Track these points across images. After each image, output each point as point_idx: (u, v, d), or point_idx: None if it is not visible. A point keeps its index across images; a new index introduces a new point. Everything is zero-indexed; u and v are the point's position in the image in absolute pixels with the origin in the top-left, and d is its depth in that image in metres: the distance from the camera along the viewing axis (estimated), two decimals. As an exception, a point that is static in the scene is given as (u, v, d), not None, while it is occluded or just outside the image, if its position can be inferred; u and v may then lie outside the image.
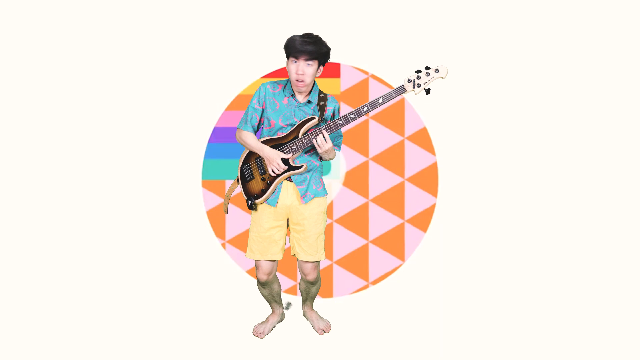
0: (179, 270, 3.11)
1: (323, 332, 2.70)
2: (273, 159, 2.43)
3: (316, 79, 2.45)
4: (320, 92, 2.48)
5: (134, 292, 2.98)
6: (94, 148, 3.15)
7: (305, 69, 2.35)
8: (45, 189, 3.13)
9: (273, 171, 2.44)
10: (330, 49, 2.39)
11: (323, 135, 2.38)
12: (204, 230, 3.15)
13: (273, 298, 2.69)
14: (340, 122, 2.37)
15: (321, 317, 2.77)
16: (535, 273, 3.04)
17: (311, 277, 2.57)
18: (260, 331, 2.68)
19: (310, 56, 2.33)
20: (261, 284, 2.60)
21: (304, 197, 2.49)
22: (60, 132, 3.13)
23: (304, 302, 2.77)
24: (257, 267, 2.55)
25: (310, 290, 2.67)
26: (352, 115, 2.36)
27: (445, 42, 3.10)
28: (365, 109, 2.35)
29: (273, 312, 2.75)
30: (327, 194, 2.57)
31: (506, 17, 3.11)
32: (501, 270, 3.07)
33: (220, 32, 3.13)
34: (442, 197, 3.12)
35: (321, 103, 2.45)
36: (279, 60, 2.50)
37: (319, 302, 2.88)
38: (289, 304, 2.97)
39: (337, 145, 2.55)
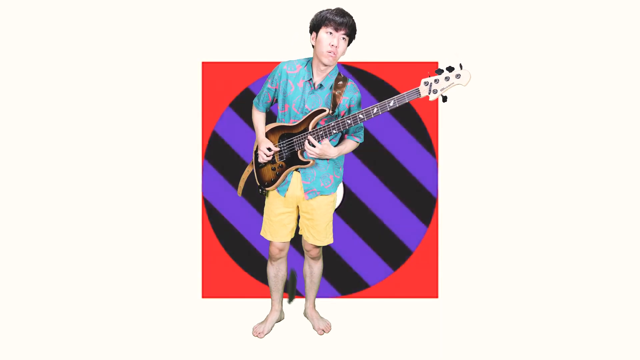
0: (178, 269, 3.08)
1: (323, 332, 2.69)
2: (259, 146, 2.45)
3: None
4: (339, 76, 2.39)
5: (133, 292, 2.95)
6: (92, 147, 3.12)
7: (340, 42, 2.30)
8: (43, 189, 3.09)
9: (263, 157, 2.44)
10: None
11: (309, 141, 2.33)
12: (204, 229, 3.09)
13: (277, 284, 2.68)
14: (349, 121, 2.28)
15: (322, 317, 2.76)
16: (536, 273, 3.06)
17: (314, 252, 2.62)
18: (259, 331, 2.66)
19: (349, 30, 2.28)
20: (272, 259, 2.63)
21: (308, 193, 2.47)
22: (60, 131, 3.10)
23: (307, 296, 2.75)
24: (270, 243, 2.61)
25: (313, 270, 2.68)
26: (360, 116, 2.27)
27: (445, 41, 3.07)
28: (375, 110, 2.25)
29: (272, 308, 2.73)
30: (334, 192, 2.55)
31: (507, 17, 3.10)
32: (501, 270, 3.08)
33: (220, 31, 3.09)
34: (442, 196, 3.11)
35: (336, 92, 2.35)
36: (278, 60, 2.46)
37: (319, 302, 2.86)
38: (291, 297, 2.95)
39: (358, 136, 2.48)
